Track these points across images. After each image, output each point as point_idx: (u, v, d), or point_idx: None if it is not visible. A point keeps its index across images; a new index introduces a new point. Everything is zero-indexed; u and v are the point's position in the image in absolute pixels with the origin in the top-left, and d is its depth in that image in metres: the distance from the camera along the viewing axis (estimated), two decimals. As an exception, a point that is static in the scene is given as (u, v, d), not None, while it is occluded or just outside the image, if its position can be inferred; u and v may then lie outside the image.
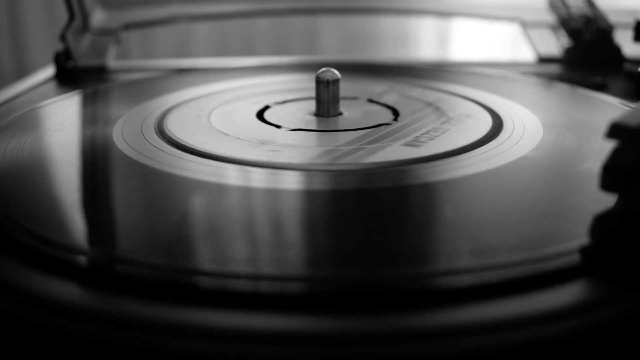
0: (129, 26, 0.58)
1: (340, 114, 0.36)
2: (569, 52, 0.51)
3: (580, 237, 0.22)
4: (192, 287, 0.20)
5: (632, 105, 0.25)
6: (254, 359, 0.17)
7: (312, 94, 0.37)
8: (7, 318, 0.19)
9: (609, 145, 0.24)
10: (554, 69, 0.50)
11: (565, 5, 0.54)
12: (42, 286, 0.20)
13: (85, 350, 0.18)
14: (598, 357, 0.18)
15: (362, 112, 0.37)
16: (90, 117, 0.37)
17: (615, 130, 0.23)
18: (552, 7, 0.55)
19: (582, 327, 0.18)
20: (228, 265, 0.21)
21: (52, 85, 0.47)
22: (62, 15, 0.54)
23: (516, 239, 0.22)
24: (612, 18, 0.52)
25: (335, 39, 1.23)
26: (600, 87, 0.43)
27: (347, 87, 0.39)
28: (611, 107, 0.37)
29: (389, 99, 0.39)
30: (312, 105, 0.37)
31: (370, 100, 0.39)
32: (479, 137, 0.32)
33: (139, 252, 0.21)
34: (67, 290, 0.20)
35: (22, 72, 1.18)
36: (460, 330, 0.18)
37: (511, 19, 0.60)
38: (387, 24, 1.21)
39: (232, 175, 0.28)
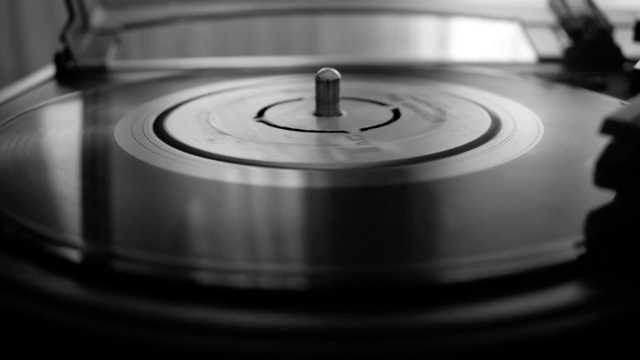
0: (129, 26, 0.58)
1: (340, 114, 0.36)
2: (569, 52, 0.51)
3: (578, 235, 0.22)
4: (188, 283, 0.20)
5: (627, 102, 0.25)
6: (251, 354, 0.17)
7: (312, 94, 0.37)
8: (3, 312, 0.19)
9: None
10: (554, 69, 0.50)
11: (565, 5, 0.54)
12: (39, 281, 0.20)
13: (82, 345, 0.18)
14: (595, 356, 0.18)
15: (362, 112, 0.37)
16: (91, 117, 0.37)
17: (609, 126, 0.23)
18: (552, 7, 0.55)
19: (580, 326, 0.18)
20: (226, 261, 0.21)
21: (52, 85, 0.47)
22: (62, 15, 0.54)
23: (516, 237, 0.22)
24: (612, 18, 0.52)
25: (335, 39, 1.23)
26: (600, 87, 0.43)
27: (347, 87, 0.39)
28: (611, 107, 0.37)
29: (389, 99, 0.39)
30: (312, 105, 0.37)
31: (370, 101, 0.39)
32: (480, 136, 0.32)
33: (137, 248, 0.21)
34: (64, 286, 0.20)
35: (22, 72, 1.18)
36: (457, 328, 0.18)
37: (511, 19, 0.60)
38: (387, 24, 1.21)
39: (231, 175, 0.28)
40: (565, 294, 0.19)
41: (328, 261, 0.21)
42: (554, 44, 0.54)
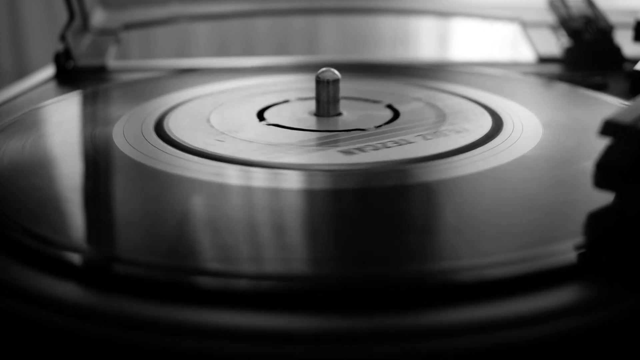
0: (129, 26, 0.58)
1: (340, 114, 0.36)
2: (569, 52, 0.51)
3: (578, 237, 0.22)
4: (191, 286, 0.20)
5: (628, 103, 0.25)
6: (253, 357, 0.17)
7: (312, 94, 0.37)
8: (4, 316, 0.19)
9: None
10: (554, 69, 0.50)
11: (565, 5, 0.54)
12: (41, 285, 0.20)
13: (84, 349, 0.18)
14: (594, 358, 0.18)
15: (362, 112, 0.37)
16: (91, 117, 0.37)
17: (609, 128, 0.23)
18: (552, 7, 0.55)
19: (580, 327, 0.18)
20: (228, 264, 0.21)
21: (52, 85, 0.47)
22: (62, 15, 0.54)
23: (514, 239, 0.22)
24: (612, 18, 0.52)
25: (335, 39, 1.23)
26: (600, 87, 0.43)
27: (347, 87, 0.39)
28: (611, 107, 0.37)
29: (389, 99, 0.39)
30: (312, 105, 0.37)
31: (370, 100, 0.39)
32: (479, 137, 0.32)
33: (138, 252, 0.21)
34: (66, 289, 0.20)
35: (22, 72, 1.18)
36: (457, 330, 0.18)
37: (511, 19, 0.60)
38: (387, 24, 1.21)
39: (232, 175, 0.28)
40: (565, 296, 0.19)
41: (327, 263, 0.21)
42: (554, 44, 0.54)
